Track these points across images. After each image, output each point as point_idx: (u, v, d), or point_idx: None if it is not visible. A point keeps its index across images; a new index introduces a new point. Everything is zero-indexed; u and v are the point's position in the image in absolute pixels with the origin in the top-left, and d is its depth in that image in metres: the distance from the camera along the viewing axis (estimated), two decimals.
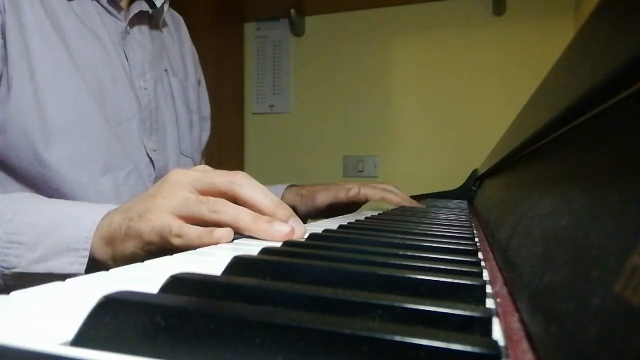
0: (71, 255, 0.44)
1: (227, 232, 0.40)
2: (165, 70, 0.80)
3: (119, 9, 0.72)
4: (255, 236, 0.41)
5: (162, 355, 0.15)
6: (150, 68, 0.75)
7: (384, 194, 0.86)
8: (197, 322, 0.15)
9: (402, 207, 0.86)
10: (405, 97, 1.83)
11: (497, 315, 0.20)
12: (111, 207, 0.46)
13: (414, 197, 0.93)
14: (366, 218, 0.63)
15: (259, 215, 0.41)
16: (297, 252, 0.31)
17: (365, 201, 0.89)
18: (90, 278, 0.25)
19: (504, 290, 0.24)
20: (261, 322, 0.15)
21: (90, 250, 0.44)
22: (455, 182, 1.28)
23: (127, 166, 0.67)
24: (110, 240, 0.44)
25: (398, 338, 0.14)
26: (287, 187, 0.92)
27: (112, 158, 0.65)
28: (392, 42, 1.84)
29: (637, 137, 0.17)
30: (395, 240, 0.38)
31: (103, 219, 0.45)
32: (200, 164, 0.91)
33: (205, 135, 0.94)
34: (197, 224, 0.41)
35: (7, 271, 0.45)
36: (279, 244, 0.36)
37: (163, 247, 0.41)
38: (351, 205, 0.91)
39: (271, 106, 2.01)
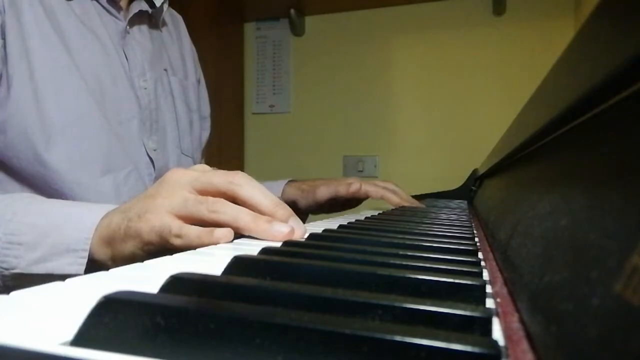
0: (70, 256, 0.44)
1: (227, 232, 0.40)
2: (165, 70, 0.80)
3: (118, 8, 0.72)
4: (255, 236, 0.41)
5: (162, 355, 0.15)
6: (150, 68, 0.75)
7: (384, 193, 0.86)
8: (197, 322, 0.15)
9: (402, 207, 0.86)
10: (405, 97, 1.83)
11: (497, 315, 0.20)
12: (110, 207, 0.46)
13: (413, 197, 0.93)
14: (366, 218, 0.63)
15: (258, 215, 0.41)
16: (297, 252, 0.31)
17: (366, 197, 0.88)
18: (90, 278, 0.25)
19: (504, 290, 0.24)
20: (261, 322, 0.15)
21: (90, 251, 0.44)
22: (455, 182, 1.28)
23: (127, 166, 0.67)
24: (110, 241, 0.43)
25: (398, 338, 0.14)
26: (288, 182, 0.92)
27: (112, 158, 0.65)
28: (392, 42, 1.84)
29: (637, 137, 0.17)
30: (396, 240, 0.38)
31: (102, 219, 0.45)
32: (201, 163, 0.91)
33: (206, 134, 0.94)
34: (196, 224, 0.41)
35: (6, 272, 0.45)
36: (279, 244, 0.36)
37: (162, 247, 0.41)
38: (352, 201, 0.90)
39: (271, 106, 2.01)
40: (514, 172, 0.55)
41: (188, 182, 0.42)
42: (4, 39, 0.59)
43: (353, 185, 0.85)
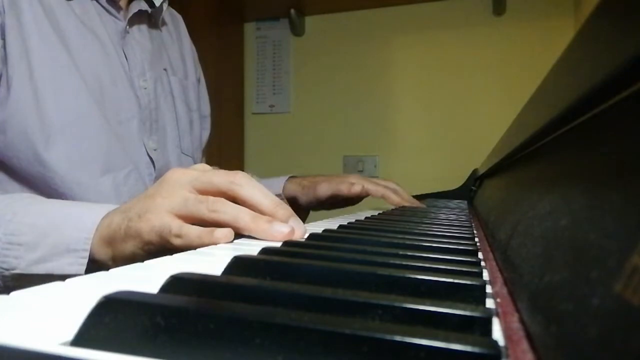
0: (71, 256, 0.44)
1: (227, 232, 0.40)
2: (165, 70, 0.80)
3: (118, 8, 0.72)
4: (255, 236, 0.41)
5: (162, 355, 0.15)
6: (150, 67, 0.75)
7: (385, 192, 0.86)
8: (197, 322, 0.15)
9: (402, 207, 0.85)
10: (405, 97, 1.83)
11: (497, 315, 0.20)
12: (111, 207, 0.46)
13: (414, 197, 0.93)
14: (366, 218, 0.63)
15: (258, 215, 0.41)
16: (297, 252, 0.31)
17: (367, 195, 0.88)
18: (90, 278, 0.25)
19: (504, 290, 0.24)
20: (261, 322, 0.15)
21: (90, 251, 0.44)
22: (455, 182, 1.28)
23: (127, 166, 0.67)
24: (110, 241, 0.43)
25: (398, 338, 0.14)
26: (289, 178, 0.92)
27: (112, 158, 0.65)
28: (392, 42, 1.84)
29: (637, 137, 0.17)
30: (395, 240, 0.38)
31: (103, 219, 0.45)
32: (201, 162, 0.91)
33: (206, 134, 0.94)
34: (196, 224, 0.41)
35: (6, 272, 0.45)
36: (279, 244, 0.36)
37: (163, 247, 0.41)
38: (353, 198, 0.90)
39: (271, 106, 2.01)
40: (514, 172, 0.55)
41: (188, 181, 0.42)
42: (3, 39, 0.59)
43: (355, 187, 0.84)
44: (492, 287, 0.25)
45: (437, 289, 0.22)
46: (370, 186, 0.86)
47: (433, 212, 0.74)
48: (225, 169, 0.46)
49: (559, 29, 1.59)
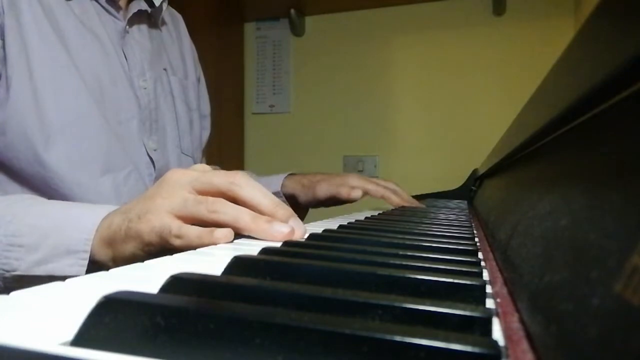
0: (71, 258, 0.44)
1: (227, 232, 0.40)
2: (165, 70, 0.80)
3: (117, 8, 0.72)
4: (255, 236, 0.41)
5: (162, 355, 0.15)
6: (150, 67, 0.75)
7: (385, 192, 0.86)
8: (197, 322, 0.15)
9: (402, 207, 0.85)
10: (405, 97, 1.83)
11: (497, 315, 0.20)
12: (111, 208, 0.46)
13: (413, 197, 0.93)
14: (366, 218, 0.63)
15: (258, 215, 0.41)
16: (297, 252, 0.31)
17: (365, 194, 0.88)
18: (90, 278, 0.25)
19: (504, 290, 0.24)
20: (261, 322, 0.15)
21: (90, 252, 0.44)
22: (455, 182, 1.28)
23: (127, 166, 0.67)
24: (110, 242, 0.43)
25: (398, 338, 0.14)
26: (287, 175, 0.92)
27: (112, 158, 0.65)
28: (392, 42, 1.84)
29: (637, 137, 0.17)
30: (395, 240, 0.38)
31: (103, 220, 0.45)
32: (201, 162, 0.91)
33: (206, 133, 0.94)
34: (196, 224, 0.41)
35: (7, 274, 0.45)
36: (279, 244, 0.36)
37: (163, 248, 0.41)
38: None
39: (271, 106, 2.01)
40: (514, 172, 0.55)
41: (188, 182, 0.42)
42: (3, 39, 0.59)
43: (355, 193, 0.84)
44: (492, 287, 0.25)
45: (437, 289, 0.22)
46: (369, 186, 0.86)
47: (433, 212, 0.74)
48: (225, 169, 0.46)
49: (559, 29, 1.59)
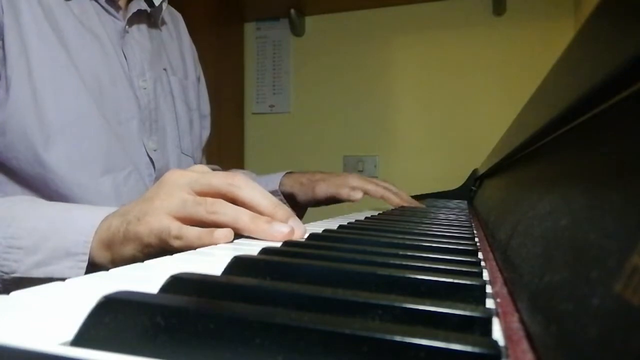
0: (70, 260, 0.44)
1: (227, 233, 0.40)
2: (165, 69, 0.79)
3: (117, 8, 0.72)
4: (255, 237, 0.41)
5: (162, 355, 0.15)
6: (150, 67, 0.75)
7: (385, 192, 0.86)
8: (197, 322, 0.15)
9: (402, 207, 0.85)
10: (405, 97, 1.83)
11: (497, 315, 0.20)
12: (110, 209, 0.46)
13: (414, 197, 0.93)
14: (366, 218, 0.63)
15: (258, 215, 0.41)
16: (297, 252, 0.31)
17: (365, 194, 0.88)
18: (90, 278, 0.25)
19: (504, 290, 0.24)
20: (261, 322, 0.15)
21: (90, 254, 0.44)
22: (455, 182, 1.28)
23: (127, 166, 0.67)
24: (109, 244, 0.43)
25: (398, 338, 0.14)
26: (286, 174, 0.91)
27: (112, 158, 0.65)
28: (392, 42, 1.84)
29: (637, 137, 0.17)
30: (395, 240, 0.38)
31: (102, 222, 0.45)
32: (201, 162, 0.91)
33: (206, 133, 0.94)
34: (195, 226, 0.41)
35: (6, 276, 0.45)
36: (279, 244, 0.36)
37: (162, 250, 0.41)
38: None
39: (271, 106, 2.01)
40: (514, 172, 0.55)
41: (186, 183, 0.42)
42: (2, 39, 0.59)
43: (355, 194, 0.84)
44: (492, 287, 0.25)
45: (437, 289, 0.22)
46: (369, 187, 0.86)
47: (433, 212, 0.74)
48: (225, 169, 0.46)
49: (559, 29, 1.59)
